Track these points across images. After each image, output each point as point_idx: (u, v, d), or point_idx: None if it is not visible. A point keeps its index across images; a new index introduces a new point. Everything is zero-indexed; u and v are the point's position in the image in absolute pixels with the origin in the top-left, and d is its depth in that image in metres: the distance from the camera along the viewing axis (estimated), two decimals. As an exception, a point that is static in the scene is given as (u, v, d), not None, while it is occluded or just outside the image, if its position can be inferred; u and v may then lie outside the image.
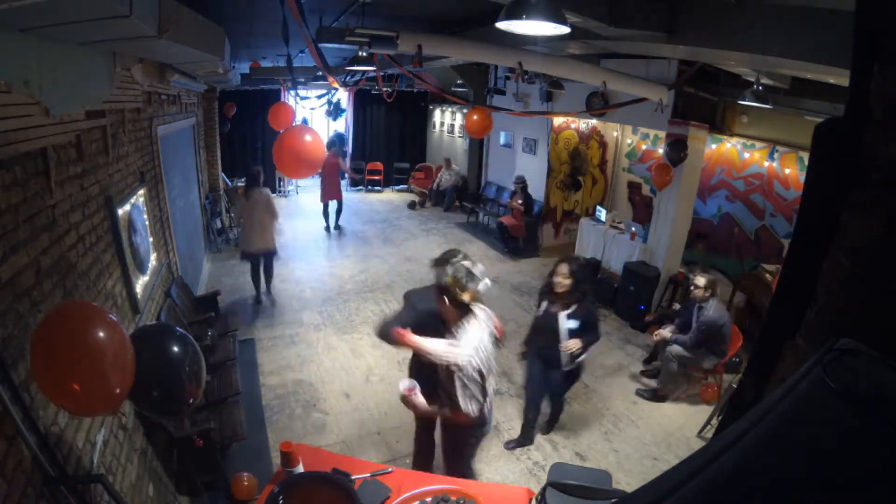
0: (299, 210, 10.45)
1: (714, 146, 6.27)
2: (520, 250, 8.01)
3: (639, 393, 4.49)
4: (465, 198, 10.57)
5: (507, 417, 4.06)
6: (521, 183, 8.06)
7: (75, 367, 1.31)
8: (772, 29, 2.49)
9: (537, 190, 8.24)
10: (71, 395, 1.31)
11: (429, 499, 2.10)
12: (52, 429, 1.66)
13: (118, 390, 1.39)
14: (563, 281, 3.35)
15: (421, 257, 7.79)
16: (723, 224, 6.41)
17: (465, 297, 2.28)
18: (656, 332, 4.43)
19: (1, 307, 1.48)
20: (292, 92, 5.31)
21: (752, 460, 0.63)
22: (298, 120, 7.90)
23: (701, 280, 4.10)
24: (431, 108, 13.08)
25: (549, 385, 3.60)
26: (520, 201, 7.96)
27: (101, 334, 1.36)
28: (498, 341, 2.53)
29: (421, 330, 2.36)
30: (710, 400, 4.30)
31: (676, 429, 4.02)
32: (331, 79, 3.92)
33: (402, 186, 12.85)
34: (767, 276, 5.24)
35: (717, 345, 4.10)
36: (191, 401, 1.68)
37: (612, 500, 1.90)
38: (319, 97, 9.32)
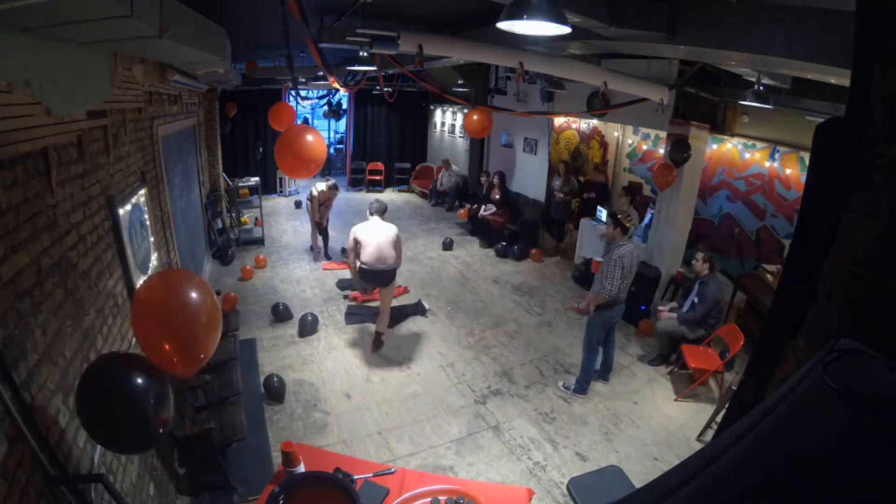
0: (300, 210, 10.45)
1: (715, 146, 6.26)
2: (511, 251, 7.94)
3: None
4: (465, 198, 10.56)
5: (508, 417, 4.06)
6: (497, 175, 8.05)
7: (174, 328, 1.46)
8: (772, 29, 2.49)
9: (538, 190, 8.23)
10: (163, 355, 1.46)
11: (429, 499, 2.11)
12: (52, 428, 1.66)
13: (202, 356, 1.52)
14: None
15: (422, 257, 7.79)
16: (723, 224, 6.40)
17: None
18: (660, 312, 5.03)
19: (2, 307, 1.48)
20: (292, 92, 5.32)
21: (753, 461, 0.63)
22: (299, 120, 7.88)
23: (700, 255, 4.77)
24: (432, 108, 13.08)
25: None
26: (497, 196, 7.93)
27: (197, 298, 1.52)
28: None
29: None
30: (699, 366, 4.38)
31: (677, 429, 4.02)
32: (331, 79, 3.91)
33: (402, 186, 12.86)
34: (768, 276, 5.23)
35: (710, 319, 4.64)
36: (160, 430, 1.48)
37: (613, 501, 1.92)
38: (321, 98, 9.31)
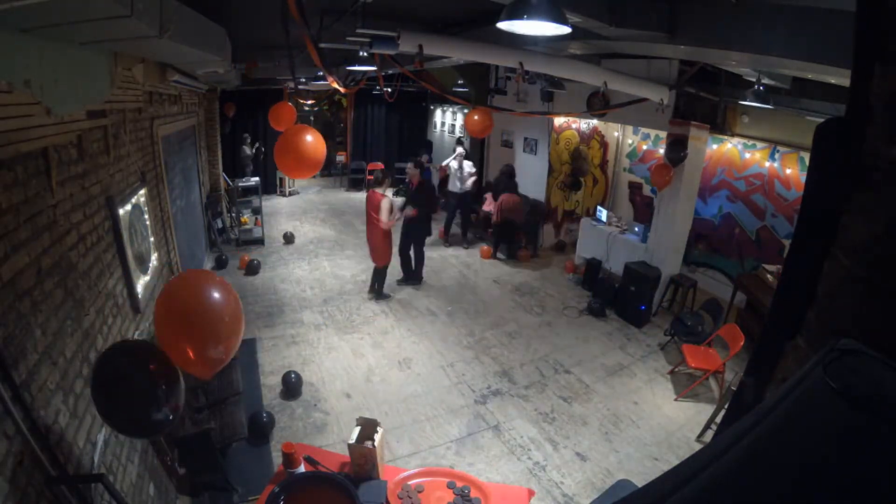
0: (300, 210, 10.46)
1: (715, 146, 6.27)
2: (517, 248, 7.92)
3: None
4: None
5: (508, 417, 4.06)
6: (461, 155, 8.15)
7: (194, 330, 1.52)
8: (772, 29, 2.49)
9: (538, 190, 8.24)
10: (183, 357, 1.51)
11: (445, 479, 2.10)
12: (52, 428, 1.67)
13: (223, 357, 1.58)
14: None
15: (421, 257, 7.78)
16: (724, 224, 6.41)
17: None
18: None
19: (2, 307, 1.48)
20: (291, 93, 5.30)
21: (753, 461, 0.63)
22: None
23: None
24: (432, 108, 13.07)
25: None
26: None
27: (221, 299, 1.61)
28: None
29: None
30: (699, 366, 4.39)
31: (677, 429, 4.02)
32: (331, 79, 3.91)
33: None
34: (768, 276, 5.23)
35: None
36: (171, 417, 1.52)
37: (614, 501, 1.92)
38: (317, 100, 9.28)
